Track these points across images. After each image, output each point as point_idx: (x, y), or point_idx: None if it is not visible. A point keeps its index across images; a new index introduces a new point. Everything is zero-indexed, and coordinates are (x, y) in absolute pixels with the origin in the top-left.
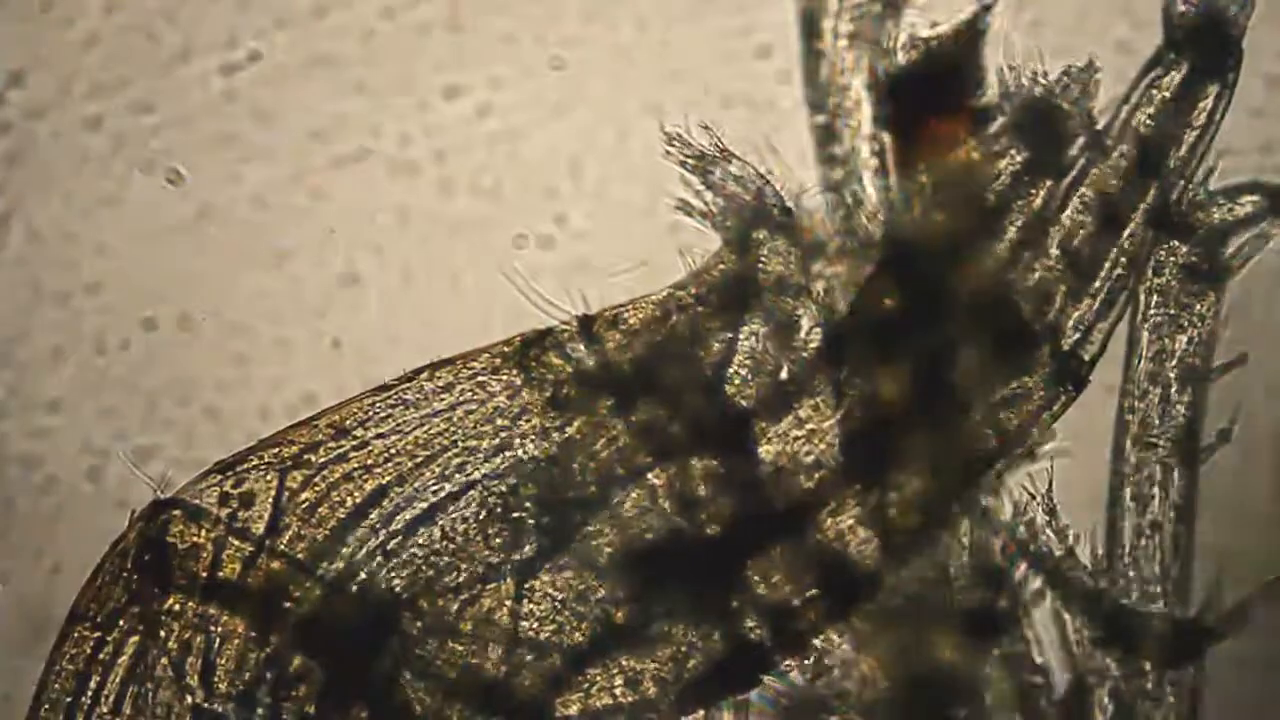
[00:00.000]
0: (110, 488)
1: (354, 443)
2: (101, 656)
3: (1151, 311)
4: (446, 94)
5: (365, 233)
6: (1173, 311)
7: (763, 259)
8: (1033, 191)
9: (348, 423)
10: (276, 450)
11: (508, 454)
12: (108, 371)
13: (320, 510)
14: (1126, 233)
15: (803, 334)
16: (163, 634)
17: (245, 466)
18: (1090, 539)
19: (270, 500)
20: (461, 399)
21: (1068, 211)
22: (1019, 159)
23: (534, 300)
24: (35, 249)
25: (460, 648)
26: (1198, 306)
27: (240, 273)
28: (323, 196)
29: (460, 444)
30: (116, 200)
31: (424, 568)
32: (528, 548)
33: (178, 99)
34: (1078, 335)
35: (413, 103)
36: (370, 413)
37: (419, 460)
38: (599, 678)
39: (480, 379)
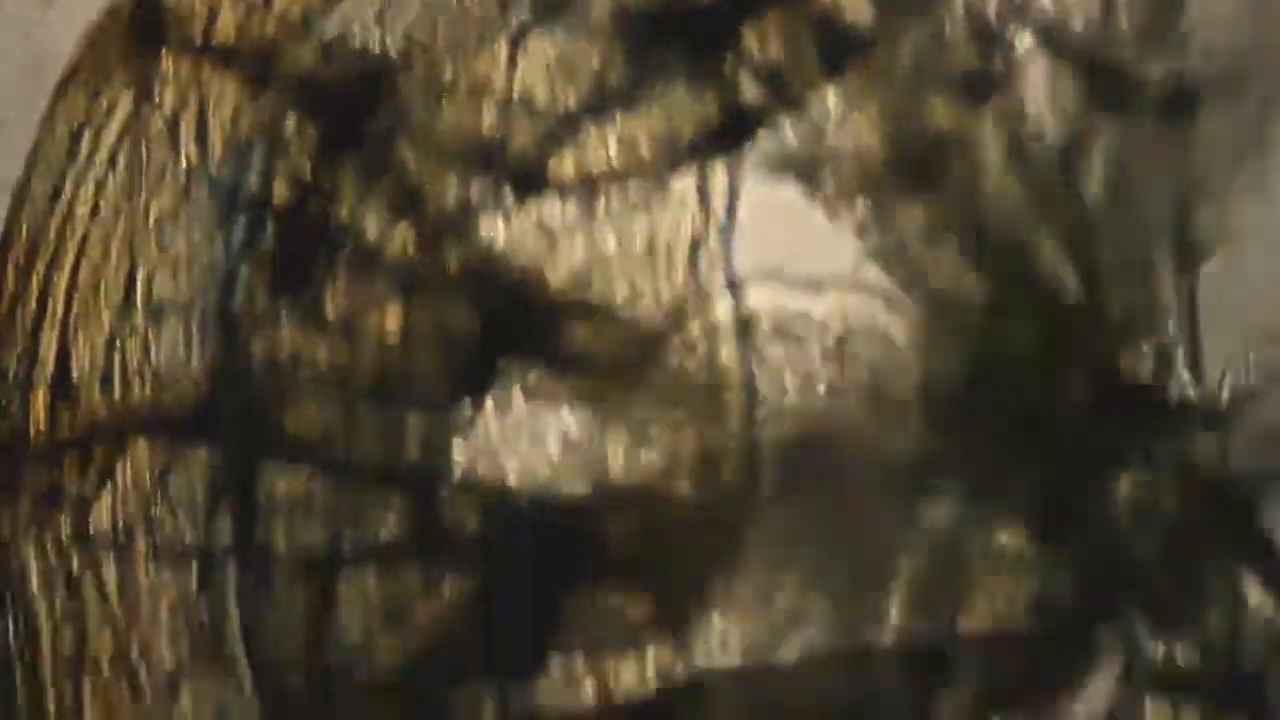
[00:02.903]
0: None
1: None
2: (94, 117)
3: None
4: None
5: None
6: None
7: None
8: None
9: None
10: None
11: None
12: None
13: None
14: None
15: None
16: (157, 91)
17: None
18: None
19: None
20: None
21: None
22: None
23: None
24: None
25: (454, 109)
26: None
27: None
28: None
29: None
30: None
31: (418, 31)
32: (522, 10)
33: None
34: None
35: None
36: None
37: None
38: (594, 138)
39: None
